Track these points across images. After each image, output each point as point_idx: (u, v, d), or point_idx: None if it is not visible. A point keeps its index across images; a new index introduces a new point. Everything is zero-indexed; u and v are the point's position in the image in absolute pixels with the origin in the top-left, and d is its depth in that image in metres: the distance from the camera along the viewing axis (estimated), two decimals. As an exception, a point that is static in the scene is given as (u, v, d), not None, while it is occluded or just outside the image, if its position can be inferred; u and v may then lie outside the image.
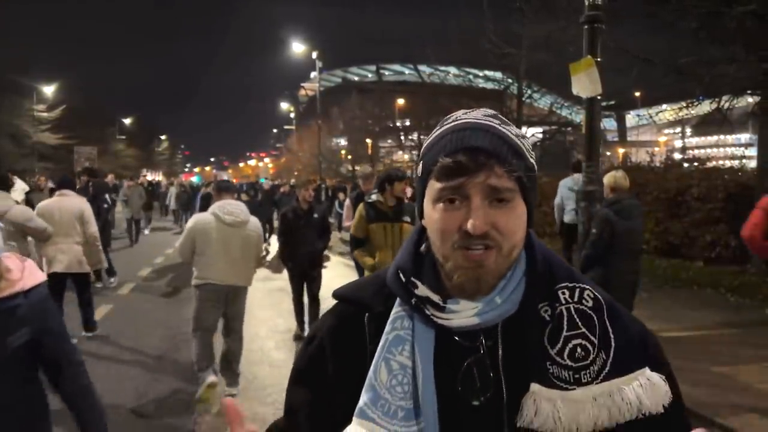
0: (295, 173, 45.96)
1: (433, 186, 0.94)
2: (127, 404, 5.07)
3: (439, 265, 0.96)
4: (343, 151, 42.89)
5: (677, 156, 32.64)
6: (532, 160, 0.96)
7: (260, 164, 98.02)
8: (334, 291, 1.10)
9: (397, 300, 0.99)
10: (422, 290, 0.96)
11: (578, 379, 0.91)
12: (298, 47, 32.22)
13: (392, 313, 0.98)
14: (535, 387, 0.90)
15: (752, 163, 12.77)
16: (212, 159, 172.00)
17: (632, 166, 14.42)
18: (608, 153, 37.84)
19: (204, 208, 11.33)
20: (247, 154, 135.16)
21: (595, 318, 0.96)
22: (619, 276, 5.39)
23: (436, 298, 0.95)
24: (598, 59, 6.12)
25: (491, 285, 0.94)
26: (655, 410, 0.91)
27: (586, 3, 6.19)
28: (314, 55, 31.00)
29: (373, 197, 5.37)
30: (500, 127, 0.94)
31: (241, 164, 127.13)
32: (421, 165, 0.98)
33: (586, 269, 5.58)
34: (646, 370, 0.94)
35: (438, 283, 0.97)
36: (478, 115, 0.97)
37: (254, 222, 5.23)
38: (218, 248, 4.92)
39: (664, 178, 12.21)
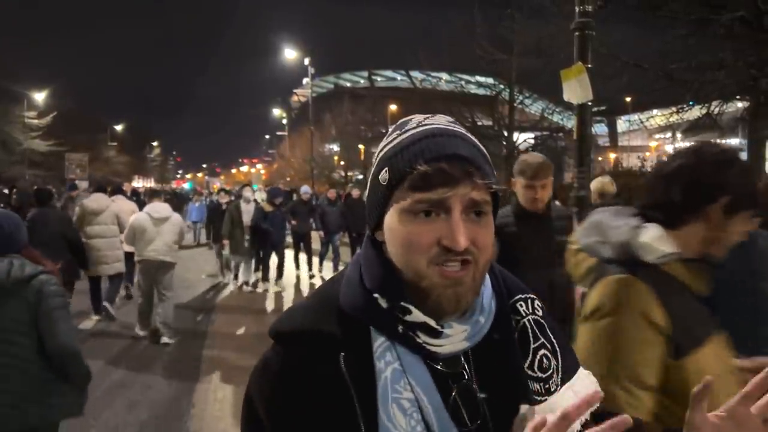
0: (287, 179, 45.92)
1: (405, 196, 0.83)
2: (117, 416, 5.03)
3: (407, 282, 0.86)
4: (335, 157, 42.88)
5: (668, 161, 32.75)
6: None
7: (252, 170, 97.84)
8: (276, 329, 0.91)
9: (372, 329, 0.87)
10: (416, 315, 0.85)
11: (548, 389, 0.90)
12: (290, 53, 32.28)
13: (377, 344, 0.85)
14: (524, 408, 0.87)
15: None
16: (204, 165, 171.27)
17: (624, 171, 14.52)
18: (600, 158, 38.04)
19: (213, 218, 11.20)
20: (240, 160, 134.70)
21: (545, 325, 0.96)
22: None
23: (433, 323, 0.85)
24: (589, 65, 6.16)
25: (470, 302, 0.87)
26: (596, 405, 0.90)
27: (577, 10, 6.23)
28: (306, 61, 31.05)
29: None
30: (470, 136, 0.89)
31: (233, 170, 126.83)
32: (386, 171, 0.86)
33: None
34: (581, 369, 0.98)
35: (422, 306, 0.86)
36: (443, 120, 0.90)
37: (175, 217, 7.42)
38: (150, 236, 7.07)
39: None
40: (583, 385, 0.94)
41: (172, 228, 7.25)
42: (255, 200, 10.95)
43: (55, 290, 2.69)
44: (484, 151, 0.88)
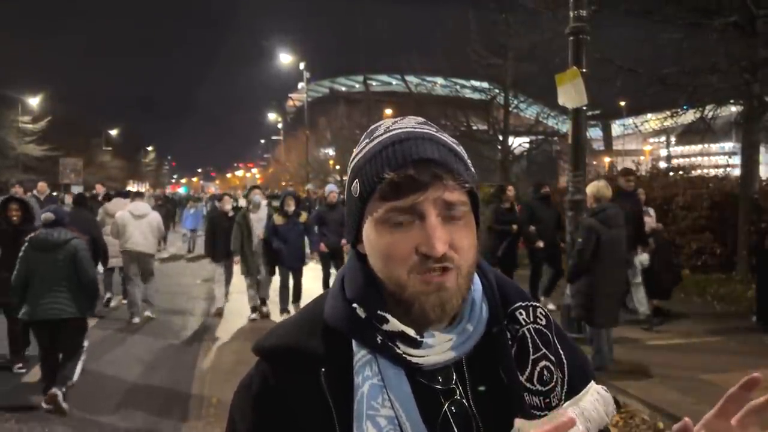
0: (283, 183, 45.87)
1: (378, 206, 0.81)
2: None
3: (391, 294, 0.83)
4: (330, 161, 42.87)
5: (662, 165, 32.99)
6: (473, 170, 0.86)
7: (248, 175, 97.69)
8: (260, 345, 0.89)
9: (354, 342, 0.84)
10: (394, 324, 0.82)
11: (548, 403, 0.84)
12: (285, 58, 32.30)
13: (356, 358, 0.82)
14: (519, 423, 0.80)
15: (736, 172, 12.91)
16: (199, 170, 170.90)
17: (618, 175, 14.50)
18: (594, 162, 38.09)
19: (215, 229, 9.09)
20: (235, 164, 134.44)
21: (549, 336, 0.89)
22: (605, 285, 5.40)
23: (411, 332, 0.82)
24: (584, 70, 6.18)
25: (456, 308, 0.83)
26: (606, 423, 0.88)
27: (571, 15, 6.25)
28: (302, 65, 31.09)
29: None
30: (441, 136, 0.84)
31: (229, 175, 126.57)
32: (357, 183, 0.84)
33: (574, 279, 5.59)
34: (593, 384, 0.90)
35: (405, 316, 0.83)
36: (411, 123, 0.86)
37: (153, 215, 8.78)
38: (130, 231, 8.43)
39: (649, 186, 12.29)
40: (592, 401, 0.87)
41: (150, 224, 8.62)
42: (272, 205, 9.30)
43: (84, 247, 5.16)
44: (457, 149, 0.84)
